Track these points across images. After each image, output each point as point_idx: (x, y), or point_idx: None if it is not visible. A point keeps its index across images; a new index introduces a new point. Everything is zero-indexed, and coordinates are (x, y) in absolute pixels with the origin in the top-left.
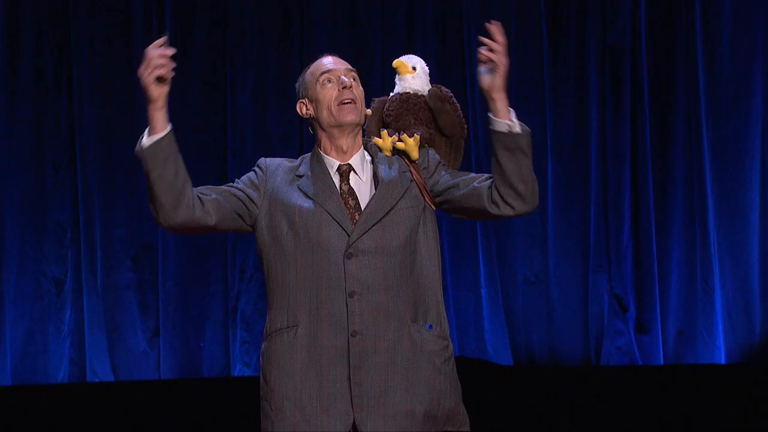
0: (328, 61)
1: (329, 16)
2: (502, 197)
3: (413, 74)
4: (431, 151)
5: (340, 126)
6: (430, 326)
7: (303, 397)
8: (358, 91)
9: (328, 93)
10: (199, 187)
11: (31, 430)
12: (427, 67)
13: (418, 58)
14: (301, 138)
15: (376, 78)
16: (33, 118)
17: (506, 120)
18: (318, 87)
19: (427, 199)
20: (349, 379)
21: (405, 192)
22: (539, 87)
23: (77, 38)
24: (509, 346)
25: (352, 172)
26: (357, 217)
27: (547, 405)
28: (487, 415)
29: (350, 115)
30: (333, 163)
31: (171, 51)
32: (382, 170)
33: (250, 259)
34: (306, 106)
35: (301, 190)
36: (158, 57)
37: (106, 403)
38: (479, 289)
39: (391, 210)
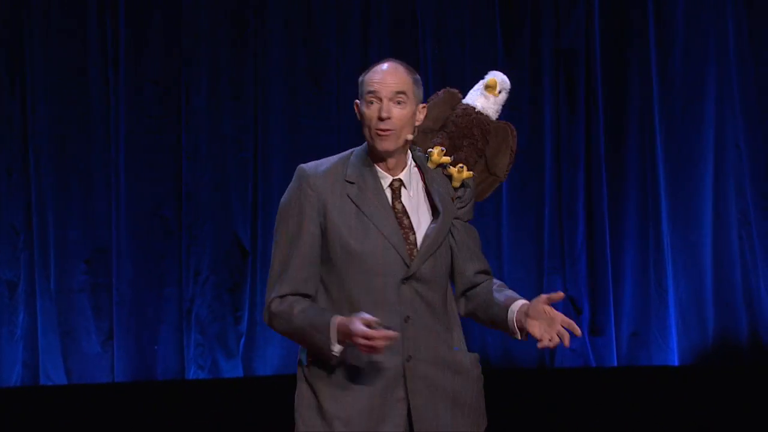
0: (378, 76)
1: (284, 17)
2: (467, 311)
3: (496, 98)
4: (470, 182)
5: (375, 149)
6: (457, 348)
7: (353, 418)
8: (401, 115)
9: (369, 114)
10: (305, 296)
11: None
12: (507, 94)
13: (508, 82)
14: (255, 141)
15: (331, 79)
16: None
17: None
18: (364, 103)
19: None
20: (408, 403)
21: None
22: None
23: (30, 39)
24: None
25: (402, 187)
26: (411, 237)
27: (502, 407)
28: None
29: (384, 144)
30: (384, 176)
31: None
32: (436, 192)
33: (204, 262)
34: (357, 109)
35: (352, 201)
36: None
37: (60, 406)
38: None
39: (444, 240)
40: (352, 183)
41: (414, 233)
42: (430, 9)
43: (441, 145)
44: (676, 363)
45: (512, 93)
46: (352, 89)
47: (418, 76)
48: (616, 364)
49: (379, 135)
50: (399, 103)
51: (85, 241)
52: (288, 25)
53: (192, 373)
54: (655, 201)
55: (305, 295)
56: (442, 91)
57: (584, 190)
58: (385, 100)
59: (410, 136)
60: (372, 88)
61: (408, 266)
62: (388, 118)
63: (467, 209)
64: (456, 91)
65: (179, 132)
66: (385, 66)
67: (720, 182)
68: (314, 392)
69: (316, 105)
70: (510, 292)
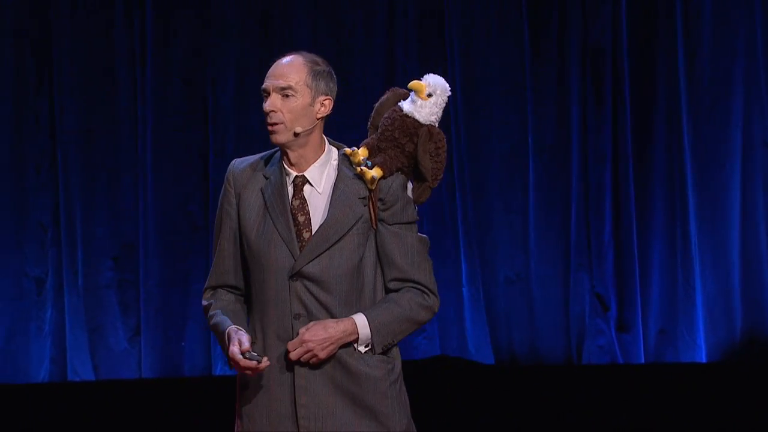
0: (269, 71)
1: (310, 14)
2: None
3: (425, 101)
4: (396, 184)
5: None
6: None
7: (254, 413)
8: (289, 108)
9: (264, 108)
10: (230, 287)
11: (11, 430)
12: (446, 96)
13: (444, 85)
14: None
15: (357, 76)
16: (13, 118)
17: (362, 349)
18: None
19: (373, 225)
20: (294, 401)
21: (358, 221)
22: (520, 86)
23: (58, 37)
24: (491, 344)
25: (306, 184)
26: (304, 235)
27: (529, 404)
28: (469, 413)
29: (274, 137)
30: (290, 173)
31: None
32: (342, 189)
33: None
34: None
35: (263, 195)
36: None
37: (87, 402)
38: (461, 288)
39: (341, 239)
40: (267, 178)
41: (310, 231)
42: (457, 6)
43: (368, 145)
44: (704, 360)
45: (539, 90)
46: (379, 86)
47: (321, 68)
48: (643, 360)
49: (269, 131)
50: (287, 96)
51: (113, 237)
52: (314, 22)
53: (219, 369)
54: (682, 198)
55: (231, 287)
56: (389, 91)
57: (611, 187)
58: (272, 94)
59: (299, 129)
60: (263, 86)
61: (295, 259)
62: (273, 111)
63: (393, 212)
64: (403, 91)
65: (206, 129)
66: (282, 60)
67: (748, 179)
68: (238, 390)
69: (342, 101)
70: (372, 309)
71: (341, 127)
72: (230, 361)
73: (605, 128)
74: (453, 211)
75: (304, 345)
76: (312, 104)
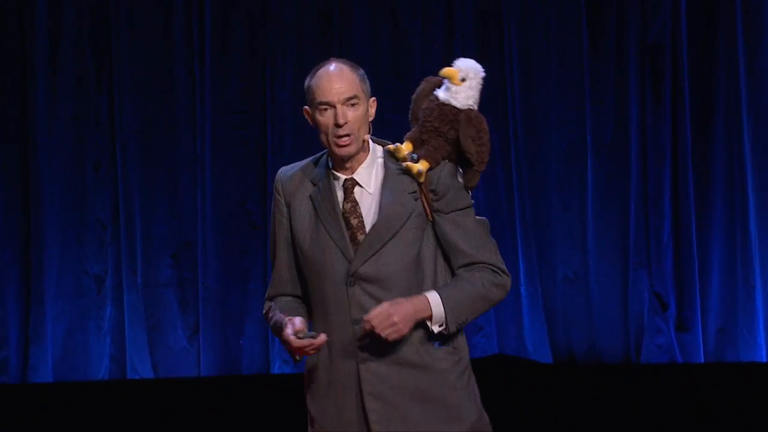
0: (326, 86)
1: (368, 12)
2: None
3: (459, 86)
4: (445, 173)
5: (335, 154)
6: (439, 344)
7: (326, 421)
8: (356, 117)
9: (325, 122)
10: (289, 295)
11: (72, 427)
12: (480, 77)
13: (475, 67)
14: None
15: (415, 75)
16: (73, 116)
17: (436, 328)
18: (316, 113)
19: (429, 217)
20: (363, 406)
21: (410, 215)
22: (579, 84)
23: (117, 36)
24: (549, 343)
25: (356, 186)
26: (359, 238)
27: (587, 403)
28: (527, 412)
29: (345, 150)
30: (339, 177)
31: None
32: (391, 186)
33: None
34: (309, 115)
35: (312, 202)
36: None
37: (147, 400)
38: (519, 286)
39: (394, 235)
40: (315, 184)
41: (364, 233)
42: (515, 3)
43: (411, 139)
44: (764, 359)
45: (598, 87)
46: None
47: (362, 71)
48: (702, 360)
49: (339, 145)
50: (353, 105)
51: (171, 235)
52: (372, 20)
53: (277, 367)
54: (742, 196)
55: (290, 295)
56: (423, 81)
57: (670, 185)
58: (338, 106)
59: (366, 136)
60: (324, 99)
61: (350, 263)
62: (345, 123)
63: (447, 200)
64: (437, 79)
65: (264, 127)
66: (330, 70)
67: None
68: (307, 398)
69: (400, 100)
70: (445, 287)
71: (397, 126)
72: (287, 346)
73: (664, 127)
74: (511, 209)
75: (372, 321)
76: (368, 109)
